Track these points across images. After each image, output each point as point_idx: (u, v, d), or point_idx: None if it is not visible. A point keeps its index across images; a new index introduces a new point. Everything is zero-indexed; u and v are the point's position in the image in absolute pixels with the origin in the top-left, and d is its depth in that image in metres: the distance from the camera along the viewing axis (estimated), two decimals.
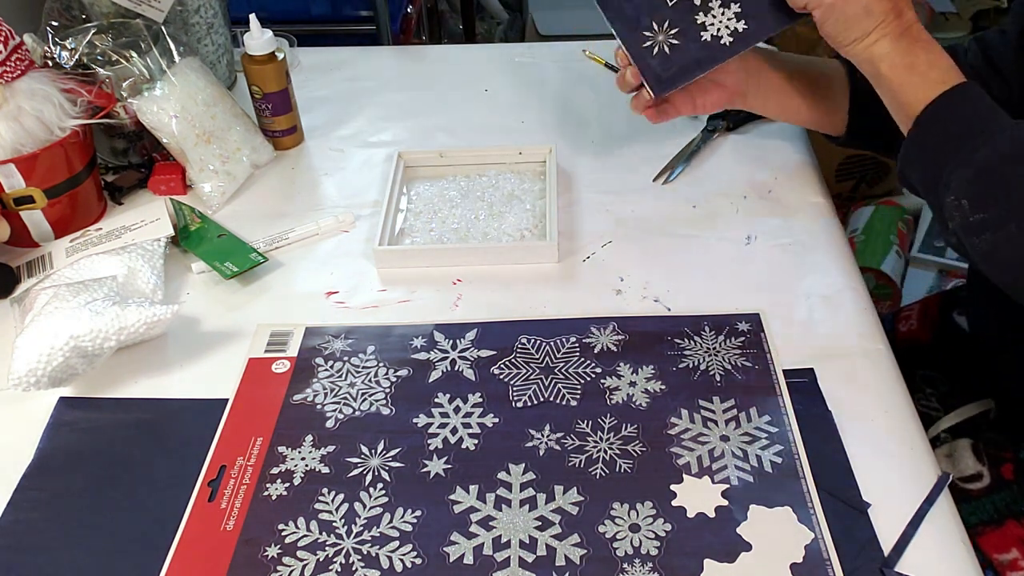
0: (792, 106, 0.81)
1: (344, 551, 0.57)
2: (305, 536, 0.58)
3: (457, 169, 0.90)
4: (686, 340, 0.71)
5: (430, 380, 0.69)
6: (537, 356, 0.70)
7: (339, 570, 0.56)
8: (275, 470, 0.62)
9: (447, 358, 0.70)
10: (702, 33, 0.71)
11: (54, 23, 0.87)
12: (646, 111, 0.78)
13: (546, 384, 0.68)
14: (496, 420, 0.65)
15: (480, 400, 0.67)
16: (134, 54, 0.85)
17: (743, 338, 0.70)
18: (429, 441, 0.64)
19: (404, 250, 0.80)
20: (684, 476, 0.60)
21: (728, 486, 0.60)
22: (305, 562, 0.57)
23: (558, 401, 0.66)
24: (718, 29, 0.71)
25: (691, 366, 0.68)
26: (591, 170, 0.92)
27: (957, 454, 0.76)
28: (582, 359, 0.70)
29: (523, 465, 0.62)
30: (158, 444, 0.65)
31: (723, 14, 0.71)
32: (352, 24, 1.58)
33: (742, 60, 0.75)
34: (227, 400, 0.68)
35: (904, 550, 0.56)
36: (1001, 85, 0.75)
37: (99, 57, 0.85)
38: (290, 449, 0.64)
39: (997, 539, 0.70)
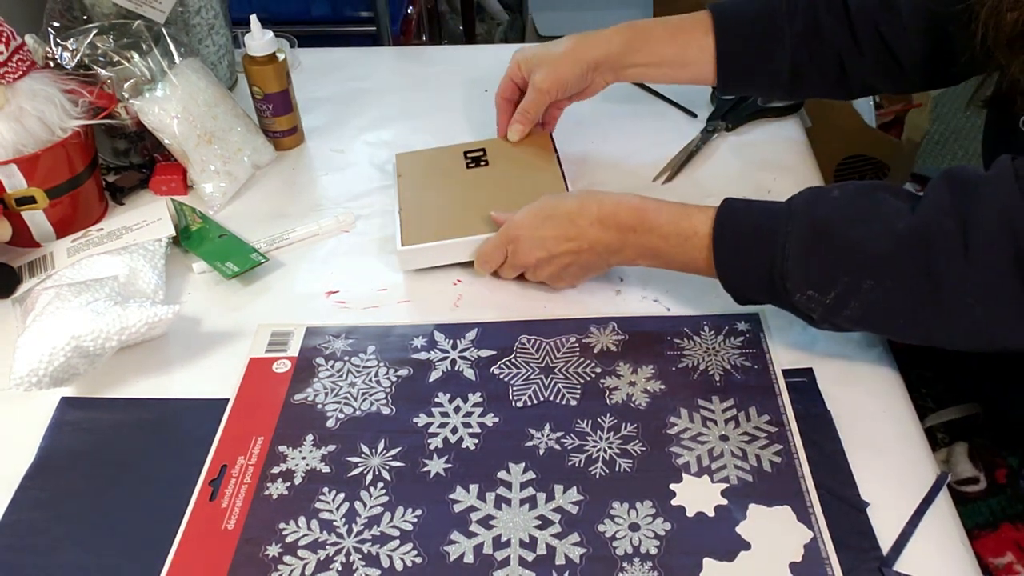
0: (662, 74, 0.83)
1: (345, 550, 0.57)
2: (306, 535, 0.58)
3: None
4: (686, 340, 0.71)
5: (430, 380, 0.69)
6: (537, 356, 0.70)
7: (340, 569, 0.56)
8: (276, 469, 0.63)
9: (447, 358, 0.70)
10: None
11: (55, 24, 0.87)
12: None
13: (546, 384, 0.68)
14: (496, 420, 0.65)
15: (480, 400, 0.67)
16: (135, 55, 0.85)
17: (742, 338, 0.71)
18: (429, 440, 0.64)
19: (430, 247, 0.77)
20: (683, 475, 0.61)
21: (727, 485, 0.60)
22: (306, 561, 0.57)
23: (558, 401, 0.67)
24: None
25: (691, 366, 0.69)
26: (591, 170, 0.92)
27: (954, 458, 0.77)
28: (582, 359, 0.70)
29: (523, 464, 0.62)
30: (159, 444, 0.65)
31: None
32: (352, 25, 1.58)
33: (599, 65, 0.82)
34: (228, 400, 0.68)
35: (903, 549, 0.56)
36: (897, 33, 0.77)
37: (100, 58, 0.85)
38: (291, 448, 0.64)
39: (992, 543, 0.70)
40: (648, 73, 0.83)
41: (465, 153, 0.87)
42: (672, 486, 0.60)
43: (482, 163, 0.85)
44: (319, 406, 0.67)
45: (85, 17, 0.91)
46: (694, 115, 0.99)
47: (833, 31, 0.78)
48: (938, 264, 0.56)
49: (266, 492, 0.61)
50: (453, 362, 0.70)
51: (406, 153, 0.89)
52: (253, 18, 0.90)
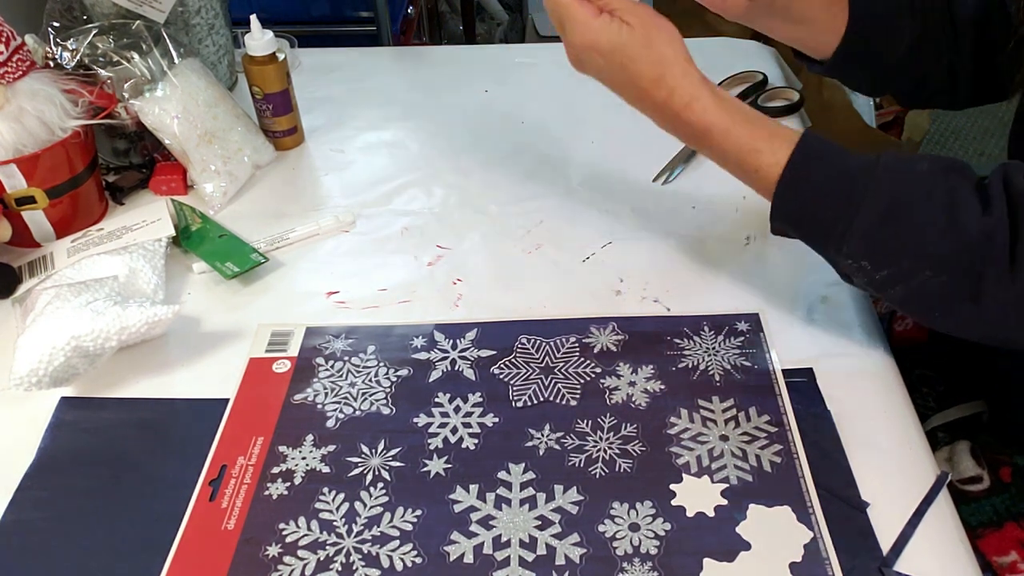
0: (790, 26, 0.77)
1: (344, 550, 0.57)
2: (306, 535, 0.58)
3: None
4: (686, 340, 0.71)
5: (430, 380, 0.69)
6: (537, 356, 0.70)
7: (339, 569, 0.56)
8: (276, 469, 0.63)
9: (447, 358, 0.70)
10: None
11: (55, 24, 0.87)
12: None
13: (546, 384, 0.68)
14: (496, 420, 0.65)
15: (480, 400, 0.67)
16: (135, 55, 0.85)
17: (742, 338, 0.71)
18: (429, 441, 0.64)
19: None
20: (683, 475, 0.61)
21: (727, 485, 0.60)
22: (306, 561, 0.57)
23: (558, 401, 0.67)
24: None
25: (690, 366, 0.69)
26: (591, 170, 0.92)
27: (956, 456, 0.76)
28: (582, 359, 0.70)
29: (523, 465, 0.62)
30: (159, 444, 0.65)
31: None
32: (352, 25, 1.58)
33: None
34: (228, 400, 0.68)
35: (903, 549, 0.56)
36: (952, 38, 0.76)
37: (100, 58, 0.85)
38: (291, 449, 0.64)
39: (996, 541, 0.70)
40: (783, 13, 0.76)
41: None
42: (672, 486, 0.60)
43: None
44: (319, 406, 0.67)
45: (85, 17, 0.91)
46: None
47: (937, 36, 0.76)
48: (987, 271, 0.57)
49: (266, 492, 0.61)
50: (453, 362, 0.70)
51: None
52: (253, 18, 0.90)
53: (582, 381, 0.68)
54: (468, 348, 0.71)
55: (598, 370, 0.69)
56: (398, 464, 0.63)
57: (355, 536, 0.58)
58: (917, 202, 0.58)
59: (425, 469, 0.62)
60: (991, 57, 0.74)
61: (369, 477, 0.62)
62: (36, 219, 0.81)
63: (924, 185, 0.59)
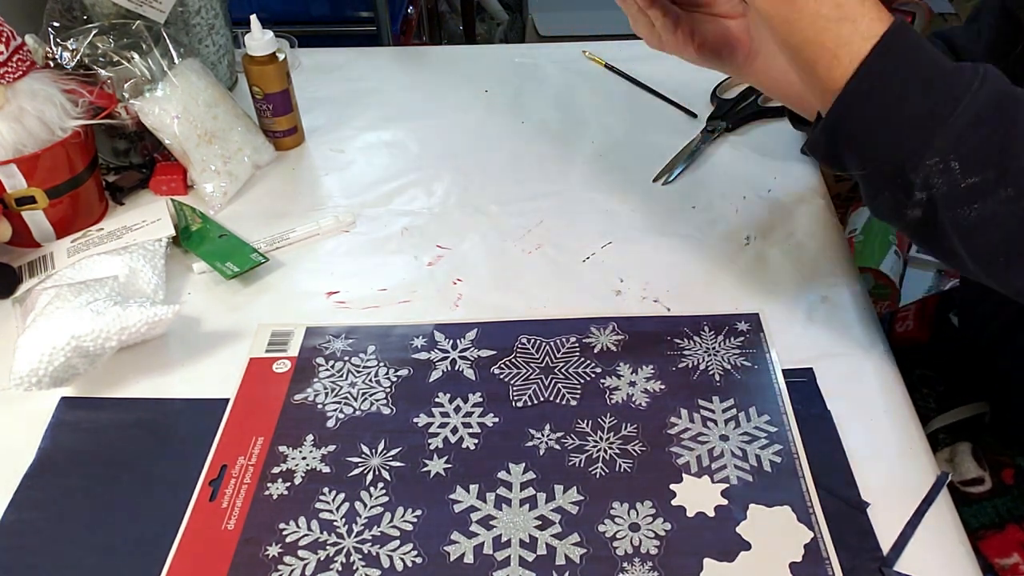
0: (789, 81, 0.72)
1: (345, 550, 0.57)
2: (306, 535, 0.58)
3: None
4: (686, 340, 0.71)
5: (430, 380, 0.69)
6: (537, 356, 0.70)
7: (340, 569, 0.56)
8: (276, 469, 0.63)
9: (447, 358, 0.70)
10: None
11: (55, 24, 0.87)
12: (649, 31, 0.68)
13: (546, 384, 0.68)
14: (496, 420, 0.65)
15: (480, 400, 0.67)
16: (135, 55, 0.85)
17: (742, 338, 0.71)
18: (429, 441, 0.64)
19: None
20: (684, 475, 0.61)
21: (727, 485, 0.60)
22: (306, 561, 0.57)
23: (558, 401, 0.67)
24: None
25: (691, 366, 0.69)
26: (591, 170, 0.92)
27: (958, 458, 0.76)
28: (582, 359, 0.70)
29: (523, 465, 0.62)
30: (159, 444, 0.65)
31: None
32: (352, 25, 1.58)
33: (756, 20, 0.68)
34: (228, 400, 0.68)
35: (903, 549, 0.56)
36: None
37: (100, 58, 0.85)
38: (291, 449, 0.64)
39: (998, 543, 0.70)
40: (779, 64, 0.70)
41: None
42: (672, 486, 0.60)
43: None
44: (319, 406, 0.67)
45: (85, 17, 0.91)
46: (694, 115, 0.99)
47: None
48: None
49: (266, 492, 0.61)
50: (453, 362, 0.70)
51: None
52: (253, 18, 0.90)
53: (582, 381, 0.68)
54: (468, 348, 0.71)
55: (598, 370, 0.69)
56: (398, 464, 0.63)
57: (355, 536, 0.58)
58: (1021, 107, 0.51)
59: (425, 469, 0.62)
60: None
61: (369, 477, 0.62)
62: (36, 219, 0.81)
63: None
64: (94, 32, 0.86)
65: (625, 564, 0.56)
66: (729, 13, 0.69)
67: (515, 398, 0.67)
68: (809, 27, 0.54)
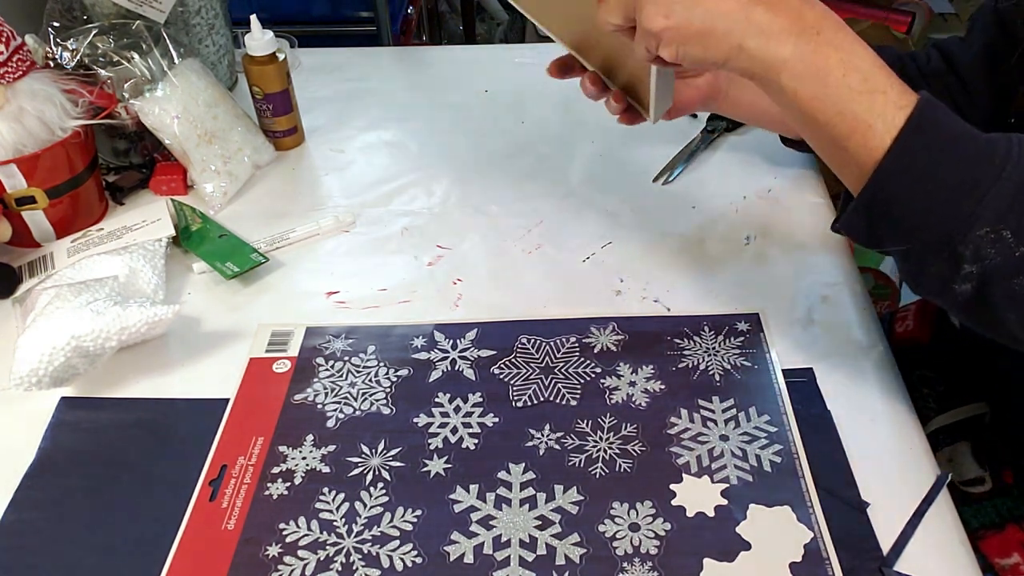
0: (761, 108, 0.75)
1: (345, 550, 0.57)
2: (306, 535, 0.58)
3: None
4: (686, 340, 0.71)
5: (430, 380, 0.69)
6: (537, 356, 0.70)
7: (340, 569, 0.56)
8: (276, 469, 0.63)
9: (447, 358, 0.70)
10: None
11: (55, 24, 0.87)
12: (620, 116, 0.71)
13: (546, 384, 0.68)
14: (496, 420, 0.65)
15: (480, 400, 0.67)
16: (135, 55, 0.85)
17: (742, 338, 0.71)
18: (429, 441, 0.64)
19: None
20: (684, 475, 0.61)
21: (727, 485, 0.60)
22: (306, 561, 0.57)
23: (558, 401, 0.67)
24: None
25: (691, 366, 0.69)
26: (591, 170, 0.92)
27: (958, 458, 0.76)
28: (582, 359, 0.70)
29: (523, 465, 0.62)
30: (159, 444, 0.65)
31: None
32: (352, 25, 1.58)
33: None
34: (228, 400, 0.68)
35: (903, 549, 0.56)
36: (962, 93, 0.75)
37: (100, 58, 0.85)
38: (291, 449, 0.64)
39: (999, 543, 0.70)
40: (748, 95, 0.73)
41: None
42: (672, 486, 0.60)
43: None
44: (319, 406, 0.67)
45: (85, 17, 0.91)
46: (694, 115, 0.99)
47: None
48: None
49: (266, 492, 0.61)
50: (453, 362, 0.70)
51: None
52: (253, 18, 0.90)
53: (582, 381, 0.68)
54: (468, 348, 0.71)
55: (598, 370, 0.69)
56: (398, 464, 0.63)
57: (355, 536, 0.58)
58: None
59: (425, 469, 0.62)
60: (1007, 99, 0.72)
61: (369, 477, 0.62)
62: (36, 219, 0.81)
63: None
64: (94, 32, 0.86)
65: (625, 564, 0.56)
66: (697, 72, 0.72)
67: (515, 398, 0.67)
68: (840, 100, 0.52)
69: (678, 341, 0.71)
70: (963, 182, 0.50)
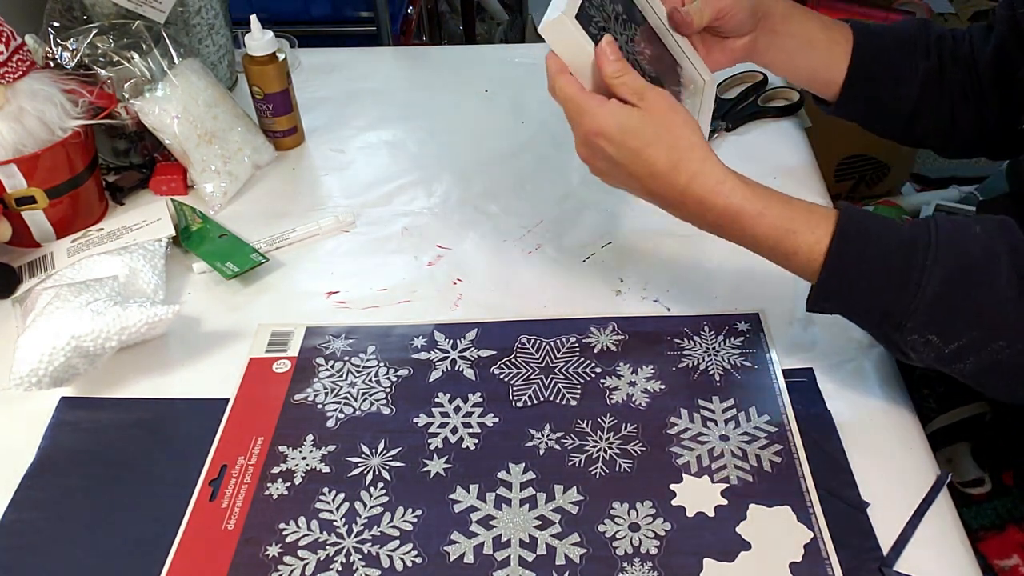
0: (795, 64, 0.77)
1: (345, 550, 0.57)
2: (306, 535, 0.58)
3: None
4: (686, 340, 0.71)
5: (430, 380, 0.69)
6: (537, 356, 0.70)
7: (340, 569, 0.56)
8: (276, 469, 0.63)
9: (447, 358, 0.70)
10: None
11: (55, 24, 0.87)
12: None
13: (546, 384, 0.68)
14: (496, 420, 0.65)
15: (480, 400, 0.67)
16: (135, 55, 0.85)
17: (742, 338, 0.71)
18: (429, 441, 0.64)
19: None
20: (684, 475, 0.61)
21: (727, 485, 0.60)
22: (306, 561, 0.57)
23: (558, 401, 0.67)
24: None
25: (691, 366, 0.68)
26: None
27: (958, 459, 0.76)
28: (582, 359, 0.70)
29: (523, 464, 0.62)
30: (159, 444, 0.65)
31: None
32: (352, 25, 1.58)
33: (762, 20, 0.72)
34: (228, 400, 0.68)
35: (903, 549, 0.56)
36: (978, 90, 0.75)
37: (100, 58, 0.85)
38: (291, 449, 0.64)
39: (998, 544, 0.70)
40: (787, 47, 0.75)
41: None
42: (672, 486, 0.60)
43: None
44: (319, 406, 0.67)
45: (85, 17, 0.91)
46: None
47: (953, 79, 0.75)
48: None
49: (266, 492, 0.61)
50: (453, 362, 0.70)
51: None
52: (253, 18, 0.90)
53: (582, 381, 0.68)
54: (468, 348, 0.71)
55: (598, 370, 0.69)
56: (398, 464, 0.63)
57: (355, 536, 0.58)
58: (982, 268, 0.55)
59: (425, 469, 0.62)
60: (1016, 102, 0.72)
61: (369, 477, 0.62)
62: (36, 219, 0.81)
63: (986, 250, 0.55)
64: (94, 32, 0.86)
65: (625, 564, 0.56)
66: (741, 33, 0.73)
67: (515, 398, 0.67)
68: (766, 245, 0.61)
69: (678, 341, 0.71)
70: (883, 304, 0.57)
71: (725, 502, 0.59)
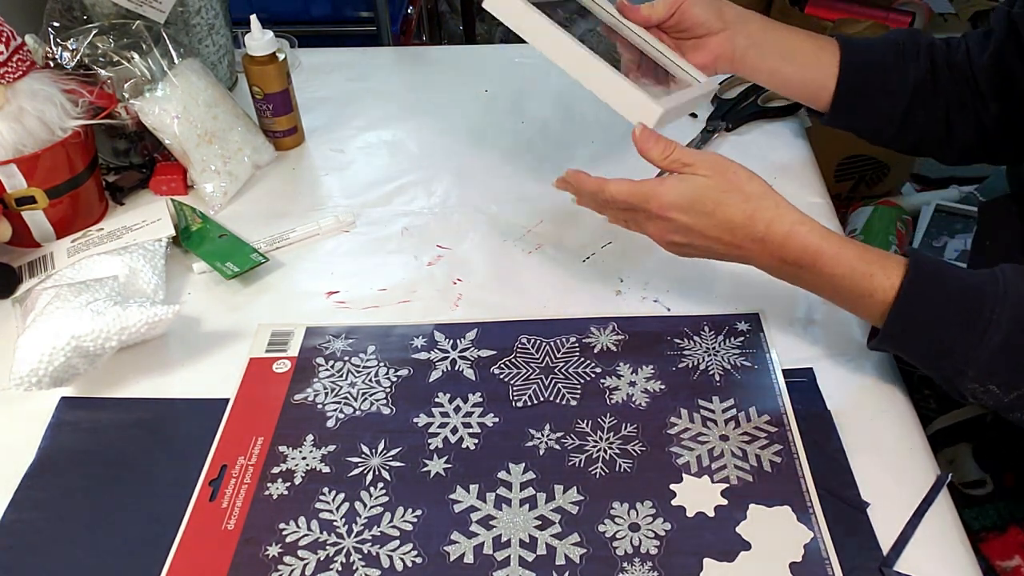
0: (783, 75, 0.77)
1: (345, 550, 0.57)
2: (306, 535, 0.58)
3: None
4: (686, 340, 0.71)
5: (430, 380, 0.69)
6: (537, 356, 0.70)
7: (340, 569, 0.56)
8: (276, 469, 0.63)
9: (447, 358, 0.70)
10: None
11: (55, 24, 0.87)
12: None
13: (546, 384, 0.68)
14: (496, 420, 0.65)
15: (480, 400, 0.67)
16: (135, 55, 0.85)
17: (742, 338, 0.71)
18: (429, 441, 0.64)
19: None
20: (684, 475, 0.61)
21: (727, 485, 0.60)
22: (306, 561, 0.57)
23: (558, 401, 0.67)
24: None
25: (691, 366, 0.68)
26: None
27: (959, 460, 0.76)
28: (582, 359, 0.70)
29: (523, 465, 0.62)
30: (159, 444, 0.65)
31: None
32: (352, 25, 1.58)
33: (733, 23, 0.74)
34: (228, 400, 0.68)
35: (903, 549, 0.56)
36: (976, 94, 0.75)
37: (100, 58, 0.85)
38: (291, 449, 0.64)
39: (1000, 545, 0.70)
40: (772, 56, 0.76)
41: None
42: (672, 486, 0.60)
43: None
44: (319, 406, 0.67)
45: (85, 17, 0.91)
46: (694, 115, 0.99)
47: (947, 86, 0.75)
48: None
49: (266, 492, 0.61)
50: (453, 362, 0.70)
51: None
52: (253, 18, 0.90)
53: (582, 381, 0.68)
54: (468, 348, 0.71)
55: (598, 370, 0.69)
56: (398, 464, 0.63)
57: (355, 536, 0.58)
58: None
59: (425, 469, 0.62)
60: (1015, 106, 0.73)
61: (369, 477, 0.62)
62: (36, 219, 0.81)
63: None
64: (94, 32, 0.86)
65: (625, 564, 0.56)
66: (709, 31, 0.74)
67: (515, 398, 0.67)
68: (843, 285, 0.61)
69: (678, 341, 0.71)
70: (947, 350, 0.58)
71: (725, 502, 0.59)
